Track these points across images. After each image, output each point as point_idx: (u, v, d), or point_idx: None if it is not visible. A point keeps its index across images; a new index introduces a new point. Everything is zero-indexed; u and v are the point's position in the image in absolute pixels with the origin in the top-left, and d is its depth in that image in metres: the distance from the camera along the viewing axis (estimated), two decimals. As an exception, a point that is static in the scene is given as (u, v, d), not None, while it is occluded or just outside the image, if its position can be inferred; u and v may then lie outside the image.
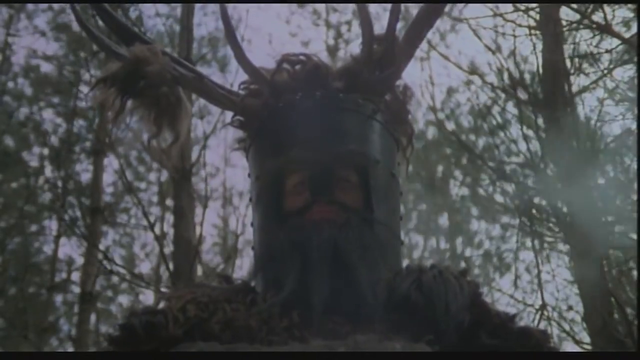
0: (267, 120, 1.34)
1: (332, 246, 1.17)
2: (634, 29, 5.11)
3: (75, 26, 8.61)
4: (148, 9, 7.49)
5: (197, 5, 6.35)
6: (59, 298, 9.91)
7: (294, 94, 1.34)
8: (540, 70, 5.66)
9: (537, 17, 5.63)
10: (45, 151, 8.98)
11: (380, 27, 1.42)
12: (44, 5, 9.26)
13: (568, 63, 5.58)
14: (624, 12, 5.22)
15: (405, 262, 1.32)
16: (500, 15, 5.38)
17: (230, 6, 1.47)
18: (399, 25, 1.43)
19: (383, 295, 1.16)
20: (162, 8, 6.96)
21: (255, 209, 1.34)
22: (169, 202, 9.72)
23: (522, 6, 5.41)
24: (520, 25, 5.53)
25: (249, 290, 1.23)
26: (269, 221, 1.28)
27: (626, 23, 5.38)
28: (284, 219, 1.25)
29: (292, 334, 1.10)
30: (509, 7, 5.49)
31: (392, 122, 1.38)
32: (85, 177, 9.08)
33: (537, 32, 5.58)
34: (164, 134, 1.42)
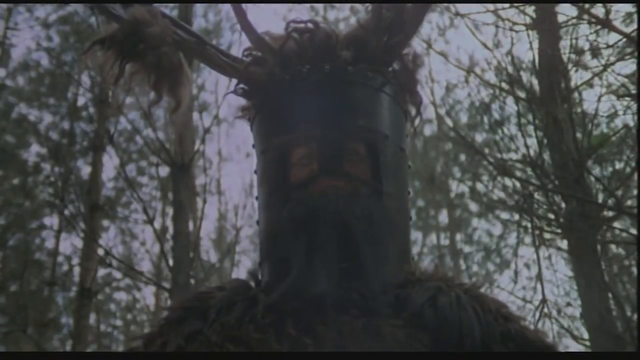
0: (273, 92, 1.29)
1: (339, 222, 1.12)
2: (634, 24, 5.11)
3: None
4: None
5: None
6: (59, 294, 9.90)
7: (302, 65, 1.28)
8: (537, 67, 5.66)
9: (534, 14, 5.63)
10: (44, 149, 8.97)
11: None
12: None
13: (565, 58, 5.58)
14: (624, 7, 5.22)
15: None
16: (496, 12, 5.37)
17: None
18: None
19: (392, 294, 1.12)
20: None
21: (260, 183, 1.30)
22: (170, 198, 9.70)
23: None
24: (516, 23, 5.53)
25: (251, 297, 1.16)
26: (274, 197, 1.24)
27: (625, 19, 5.39)
28: (288, 193, 1.21)
29: (307, 332, 1.06)
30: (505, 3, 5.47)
31: (401, 92, 1.34)
32: (85, 172, 9.08)
33: (534, 29, 5.58)
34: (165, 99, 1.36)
